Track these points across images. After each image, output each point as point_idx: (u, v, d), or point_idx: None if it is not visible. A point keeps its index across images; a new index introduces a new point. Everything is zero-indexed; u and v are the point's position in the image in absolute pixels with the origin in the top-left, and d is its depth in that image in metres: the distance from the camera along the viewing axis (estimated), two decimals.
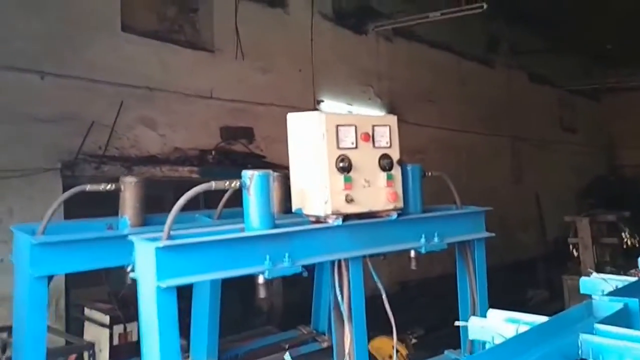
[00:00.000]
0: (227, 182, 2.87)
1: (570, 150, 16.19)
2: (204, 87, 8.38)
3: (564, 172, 15.53)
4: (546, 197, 14.47)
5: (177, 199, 2.72)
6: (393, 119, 3.24)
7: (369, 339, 3.44)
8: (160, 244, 2.51)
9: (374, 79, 10.92)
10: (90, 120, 7.11)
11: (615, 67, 16.02)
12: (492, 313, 2.33)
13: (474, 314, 3.77)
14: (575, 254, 7.88)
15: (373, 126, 3.15)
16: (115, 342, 5.78)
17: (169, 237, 2.61)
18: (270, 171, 2.92)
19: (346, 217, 3.07)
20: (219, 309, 4.01)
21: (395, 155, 3.19)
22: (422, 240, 3.32)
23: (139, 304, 2.58)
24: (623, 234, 7.78)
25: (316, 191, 3.04)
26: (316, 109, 9.22)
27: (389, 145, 3.19)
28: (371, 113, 10.20)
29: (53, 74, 6.83)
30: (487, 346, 2.15)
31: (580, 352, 1.96)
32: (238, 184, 2.87)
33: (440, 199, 3.91)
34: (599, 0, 12.17)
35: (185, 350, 4.07)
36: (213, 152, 8.37)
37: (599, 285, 2.67)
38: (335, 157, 3.03)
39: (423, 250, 3.31)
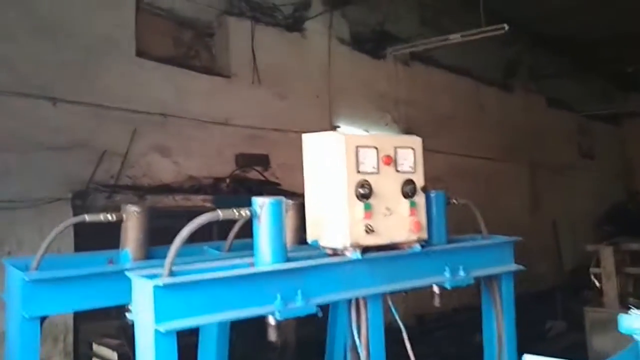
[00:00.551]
0: (236, 211, 2.64)
1: (589, 177, 15.84)
2: (220, 114, 8.23)
3: (581, 199, 15.17)
4: (563, 225, 14.11)
5: None
6: (417, 141, 3.00)
7: None
8: (160, 281, 2.27)
9: (391, 104, 10.72)
10: (102, 148, 6.95)
11: (636, 91, 15.72)
12: (528, 358, 2.06)
13: (500, 355, 3.48)
14: (597, 284, 7.50)
15: (395, 148, 2.91)
16: None
17: (171, 274, 2.37)
18: (283, 198, 2.68)
19: (365, 249, 2.83)
20: (228, 349, 3.72)
21: (419, 180, 2.95)
22: (447, 274, 3.05)
23: (135, 349, 2.33)
24: None
25: (333, 220, 2.79)
26: None
27: (412, 170, 2.94)
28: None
29: (65, 101, 6.69)
30: None
31: None
32: (248, 213, 2.64)
33: (461, 230, 3.65)
34: (620, 22, 11.93)
35: None
36: (227, 180, 8.17)
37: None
38: (355, 183, 2.78)
39: (448, 286, 3.04)
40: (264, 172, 8.66)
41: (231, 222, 2.99)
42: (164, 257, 2.56)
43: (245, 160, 8.48)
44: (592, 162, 16.50)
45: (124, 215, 3.21)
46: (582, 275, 11.73)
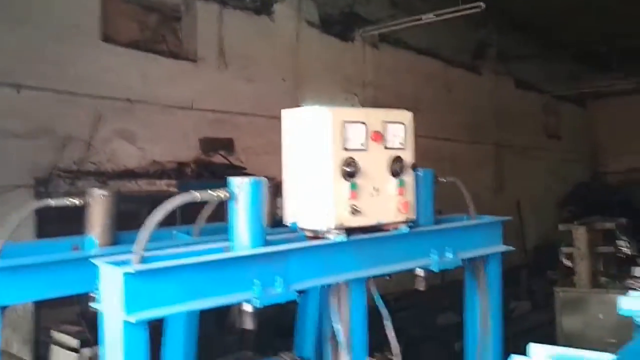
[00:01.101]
0: (214, 193, 2.43)
1: (554, 158, 15.97)
2: (185, 98, 8.03)
3: (546, 180, 15.30)
4: (527, 206, 14.19)
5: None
6: (408, 116, 2.82)
7: None
8: (131, 268, 2.06)
9: (358, 86, 10.57)
10: (66, 135, 6.74)
11: (602, 72, 15.85)
12: (535, 349, 1.92)
13: (484, 338, 3.36)
14: (568, 264, 7.47)
15: (385, 123, 2.72)
16: None
17: (142, 260, 2.16)
18: (264, 178, 2.49)
19: (350, 231, 2.65)
20: (196, 338, 3.47)
21: (409, 158, 2.77)
22: (435, 256, 2.89)
23: (99, 338, 2.11)
24: (620, 242, 7.40)
25: (316, 201, 2.60)
26: None
27: (402, 146, 2.76)
28: None
29: (29, 87, 6.44)
30: None
31: None
32: (227, 194, 2.43)
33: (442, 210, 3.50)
34: (590, 3, 11.96)
35: None
36: (192, 165, 7.97)
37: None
38: (341, 160, 2.59)
39: (436, 269, 2.88)
40: (229, 157, 8.48)
41: (195, 206, 2.77)
42: (132, 242, 2.34)
43: (209, 145, 8.29)
44: (559, 142, 16.62)
45: (90, 200, 2.98)
46: (545, 255, 11.79)
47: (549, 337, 6.75)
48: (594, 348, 2.16)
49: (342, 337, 2.75)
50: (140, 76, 7.55)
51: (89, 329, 5.27)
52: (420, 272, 2.97)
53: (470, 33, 12.80)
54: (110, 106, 7.15)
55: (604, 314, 6.75)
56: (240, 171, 8.28)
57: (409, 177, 2.79)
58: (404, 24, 9.81)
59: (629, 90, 15.67)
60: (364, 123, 2.66)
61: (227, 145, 8.51)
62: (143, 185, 7.39)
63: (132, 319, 2.03)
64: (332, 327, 2.80)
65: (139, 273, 2.07)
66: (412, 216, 2.78)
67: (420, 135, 10.49)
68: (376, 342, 3.00)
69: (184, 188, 7.11)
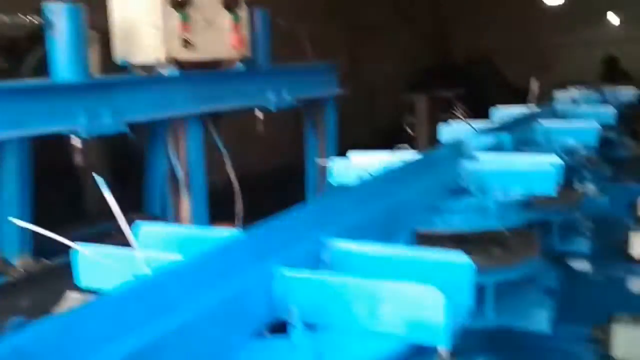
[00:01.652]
0: (26, 17, 2.21)
1: (404, 39, 16.34)
2: None
3: (397, 61, 15.70)
4: (380, 88, 14.59)
5: None
6: None
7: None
8: None
9: None
10: None
11: None
12: (355, 154, 1.99)
13: (322, 180, 3.49)
14: (410, 132, 7.92)
15: None
16: None
17: None
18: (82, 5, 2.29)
19: (183, 66, 2.55)
20: (30, 190, 3.23)
21: None
22: (271, 96, 2.89)
23: None
24: (457, 110, 7.91)
25: (145, 34, 2.47)
26: None
27: None
28: None
29: None
30: None
31: (461, 180, 1.71)
32: (40, 19, 2.22)
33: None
34: None
35: None
36: None
37: (463, 130, 2.47)
38: None
39: (273, 108, 2.89)
40: None
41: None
42: None
43: None
44: (408, 23, 16.94)
45: None
46: (396, 136, 12.38)
47: None
48: None
49: (180, 173, 2.70)
50: None
51: None
52: (259, 114, 2.96)
53: None
54: None
55: None
56: None
57: (244, 13, 2.70)
58: None
59: None
60: None
61: None
62: None
63: None
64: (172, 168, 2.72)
65: None
66: (247, 53, 2.73)
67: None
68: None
69: None
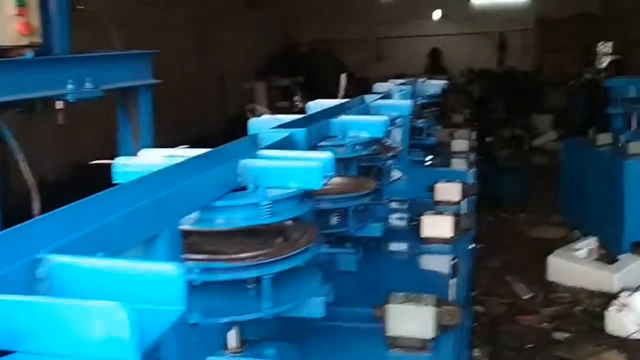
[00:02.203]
0: None
1: (251, 27, 16.39)
2: None
3: (244, 49, 15.71)
4: (227, 74, 14.52)
5: None
6: None
7: None
8: None
9: None
10: None
11: None
12: (146, 152, 1.99)
13: None
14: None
15: None
16: None
17: None
18: None
19: None
20: None
21: None
22: (70, 86, 2.77)
23: None
24: (296, 97, 8.13)
25: None
26: None
27: None
28: None
29: None
30: None
31: (239, 178, 1.77)
32: None
33: None
34: None
35: None
36: None
37: (270, 124, 2.55)
38: None
39: (71, 99, 2.78)
40: None
41: None
42: None
43: None
44: (255, 11, 16.96)
45: None
46: (245, 122, 12.43)
47: None
48: None
49: None
50: None
51: None
52: (59, 103, 2.84)
53: None
54: None
55: None
56: None
57: None
58: None
59: None
60: None
61: None
62: None
63: None
64: None
65: None
66: (38, 40, 2.60)
67: None
68: None
69: None
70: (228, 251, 1.81)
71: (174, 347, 1.31)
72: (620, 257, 6.01)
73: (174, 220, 1.45)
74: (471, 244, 3.25)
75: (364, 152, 2.77)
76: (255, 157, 1.82)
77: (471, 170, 5.09)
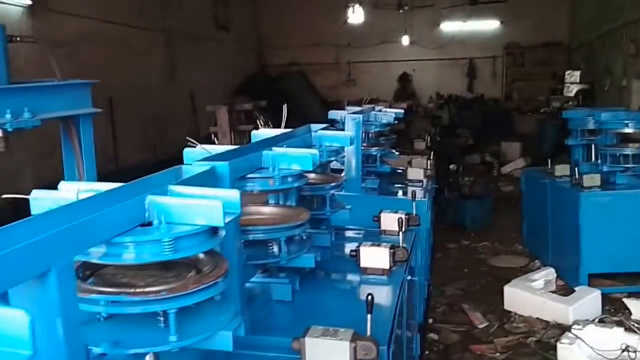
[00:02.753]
0: None
1: (224, 49, 16.54)
2: None
3: (217, 70, 15.84)
4: (200, 95, 14.61)
5: None
6: None
7: None
8: None
9: None
10: None
11: None
12: (65, 185, 1.99)
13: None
14: (216, 142, 8.08)
15: None
16: None
17: None
18: None
19: None
20: None
21: None
22: (8, 116, 2.80)
23: None
24: (258, 121, 8.19)
25: None
26: None
27: None
28: None
29: None
30: None
31: (147, 214, 1.80)
32: None
33: None
34: None
35: None
36: None
37: (201, 155, 2.58)
38: None
39: (9, 128, 2.81)
40: None
41: None
42: None
43: None
44: (228, 34, 17.15)
45: None
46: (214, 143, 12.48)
47: None
48: None
49: None
50: None
51: None
52: None
53: None
54: None
55: None
56: None
57: None
58: None
59: None
60: None
61: None
62: None
63: None
64: None
65: None
66: None
67: (86, 15, 9.76)
68: None
69: None
70: (138, 284, 1.83)
71: None
72: (577, 288, 6.07)
73: (67, 255, 1.46)
74: (408, 275, 3.30)
75: (295, 184, 2.81)
76: (165, 193, 1.84)
77: (423, 199, 5.17)
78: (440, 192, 9.16)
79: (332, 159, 3.69)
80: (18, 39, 3.01)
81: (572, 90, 15.30)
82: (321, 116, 5.53)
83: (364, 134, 5.69)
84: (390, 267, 3.18)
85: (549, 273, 6.64)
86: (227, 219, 1.75)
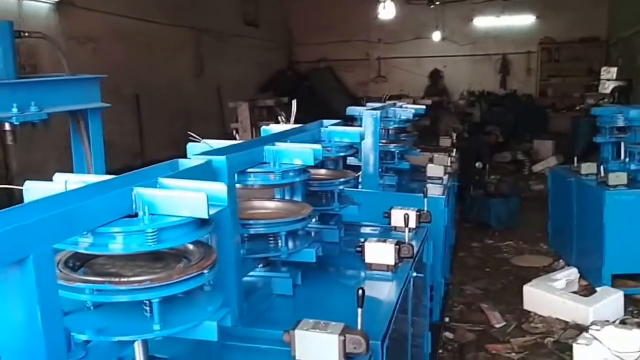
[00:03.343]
0: None
1: (253, 45, 16.60)
2: None
3: (245, 66, 15.92)
4: (227, 91, 14.70)
5: None
6: None
7: None
8: None
9: None
10: None
11: None
12: (59, 177, 2.02)
13: None
14: (237, 137, 8.13)
15: None
16: None
17: None
18: None
19: None
20: None
21: None
22: (15, 110, 2.86)
23: None
24: (280, 117, 8.22)
25: None
26: None
27: None
28: None
29: None
30: None
31: (134, 205, 1.82)
32: None
33: None
34: None
35: None
36: None
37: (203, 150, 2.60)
38: None
39: (16, 122, 2.87)
40: None
41: None
42: None
43: None
44: (257, 30, 17.19)
45: None
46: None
47: None
48: None
49: None
50: None
51: None
52: (7, 126, 2.93)
53: None
54: None
55: None
56: None
57: None
58: None
59: None
60: None
61: None
62: None
63: None
64: None
65: None
66: None
67: (112, 12, 9.89)
68: None
69: None
70: (126, 274, 1.86)
71: None
72: (598, 289, 5.95)
73: (45, 243, 1.49)
74: (414, 272, 3.27)
75: (297, 179, 2.81)
76: (154, 185, 1.86)
77: (439, 196, 5.13)
78: (466, 190, 9.06)
79: (342, 154, 3.67)
80: (26, 34, 3.07)
81: (607, 87, 14.89)
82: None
83: (383, 131, 5.66)
84: (396, 264, 3.16)
85: (572, 273, 6.51)
86: (212, 211, 1.76)
